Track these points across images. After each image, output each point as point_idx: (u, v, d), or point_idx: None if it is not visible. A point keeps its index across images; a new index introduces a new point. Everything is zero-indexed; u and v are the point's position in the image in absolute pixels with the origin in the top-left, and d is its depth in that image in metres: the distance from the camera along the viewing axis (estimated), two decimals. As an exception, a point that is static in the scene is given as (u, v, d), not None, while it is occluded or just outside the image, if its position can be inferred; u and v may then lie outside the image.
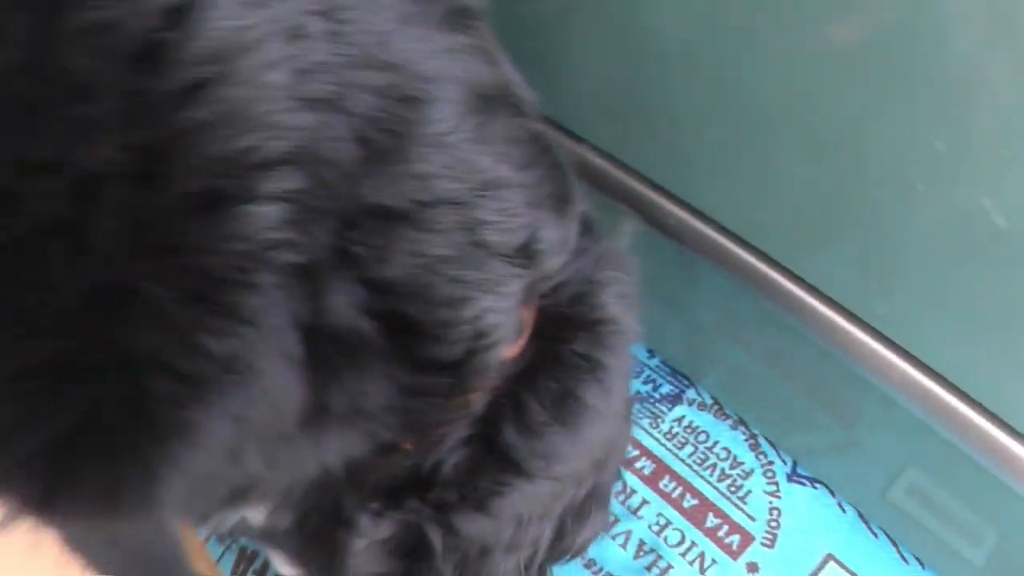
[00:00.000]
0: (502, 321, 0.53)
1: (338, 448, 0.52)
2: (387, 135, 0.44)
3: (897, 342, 0.70)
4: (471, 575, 0.64)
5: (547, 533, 0.68)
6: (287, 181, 0.41)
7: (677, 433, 1.02)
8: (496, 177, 0.51)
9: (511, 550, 0.66)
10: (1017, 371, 0.65)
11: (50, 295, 0.39)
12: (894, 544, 0.94)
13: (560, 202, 0.58)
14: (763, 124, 0.69)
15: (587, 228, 0.64)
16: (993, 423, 0.67)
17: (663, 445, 1.01)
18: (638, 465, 0.99)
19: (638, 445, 1.00)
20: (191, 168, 0.39)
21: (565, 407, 0.61)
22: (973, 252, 0.59)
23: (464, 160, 0.49)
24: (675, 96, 0.74)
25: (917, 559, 0.93)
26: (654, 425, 1.02)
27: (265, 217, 0.40)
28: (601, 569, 0.93)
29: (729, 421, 1.03)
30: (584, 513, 0.71)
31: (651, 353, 1.08)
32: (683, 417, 1.03)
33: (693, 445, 1.01)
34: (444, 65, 0.48)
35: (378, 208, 0.45)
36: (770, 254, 0.75)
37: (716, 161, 0.75)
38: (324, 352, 0.46)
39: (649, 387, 1.05)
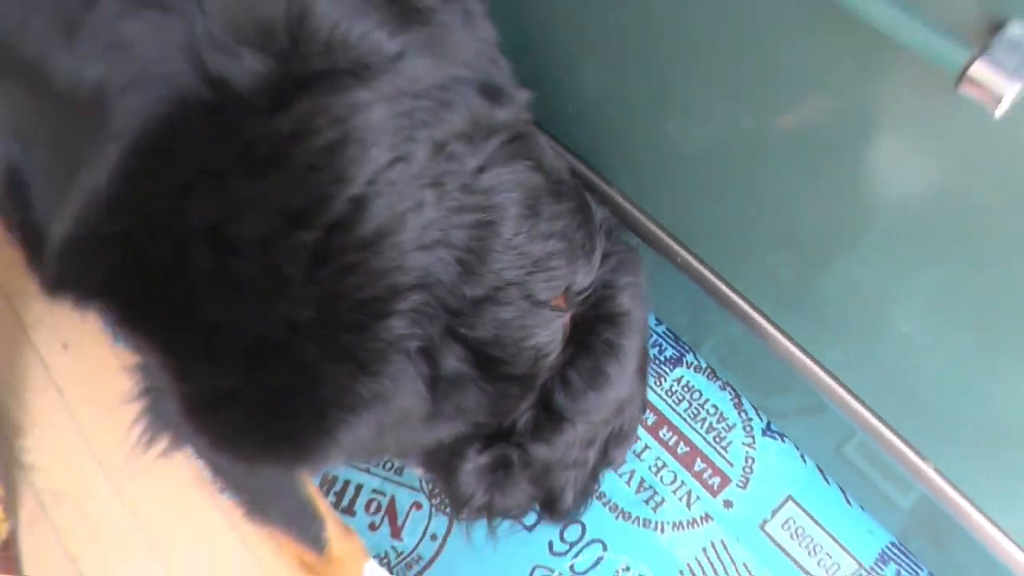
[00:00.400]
0: (553, 340, 0.81)
1: (446, 431, 0.84)
2: (474, 255, 0.70)
3: (841, 379, 0.92)
4: (541, 484, 0.95)
5: (593, 456, 0.97)
6: (412, 301, 0.68)
7: (676, 391, 1.25)
8: (544, 254, 0.76)
9: (566, 468, 0.95)
10: (918, 403, 0.87)
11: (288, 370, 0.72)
12: (842, 490, 1.19)
13: (589, 243, 0.84)
14: (753, 217, 0.88)
15: (609, 234, 0.88)
16: (901, 441, 0.90)
17: (664, 400, 1.25)
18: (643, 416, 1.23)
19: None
20: (347, 309, 0.67)
21: (595, 379, 0.88)
22: (890, 337, 0.80)
23: (522, 252, 0.75)
24: (687, 175, 0.93)
25: (859, 504, 1.18)
26: (658, 383, 1.26)
27: (396, 326, 0.68)
28: (610, 500, 1.18)
29: (719, 383, 1.26)
30: (620, 439, 0.99)
31: (659, 321, 1.29)
32: (682, 377, 1.26)
33: (688, 402, 1.25)
34: (509, 194, 0.73)
35: (471, 299, 0.73)
36: (752, 300, 0.97)
37: (721, 228, 0.95)
38: (439, 386, 0.77)
39: (655, 350, 1.28)
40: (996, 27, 0.52)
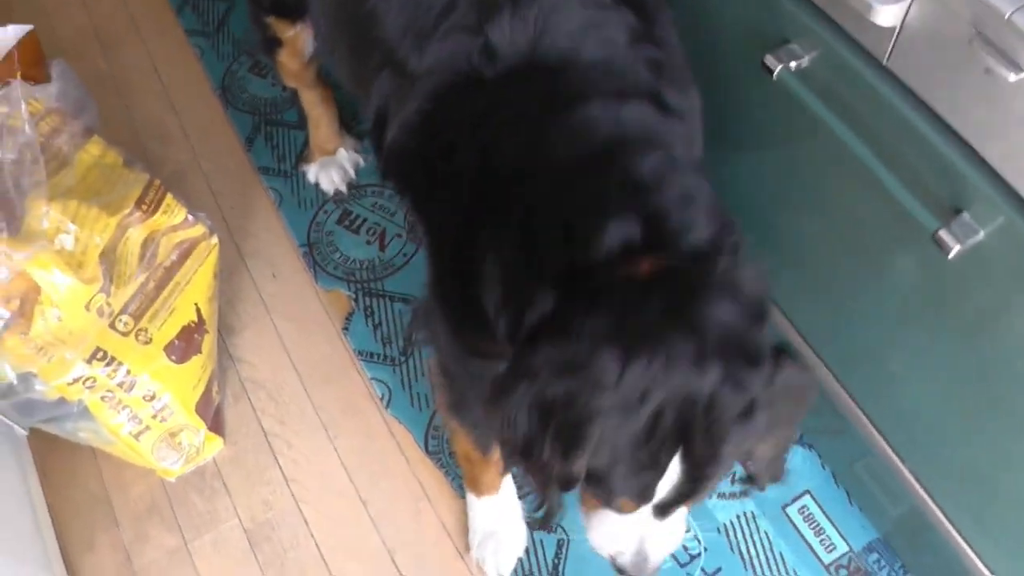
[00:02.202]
0: None
1: None
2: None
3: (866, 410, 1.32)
4: None
5: None
6: None
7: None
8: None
9: None
10: (923, 440, 1.26)
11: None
12: (847, 493, 1.56)
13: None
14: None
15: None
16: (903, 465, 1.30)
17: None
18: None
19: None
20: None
21: None
22: (908, 389, 1.20)
23: None
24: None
25: (858, 505, 1.55)
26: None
27: None
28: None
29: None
30: None
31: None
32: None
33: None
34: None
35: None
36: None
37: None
38: None
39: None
40: (957, 211, 0.97)
